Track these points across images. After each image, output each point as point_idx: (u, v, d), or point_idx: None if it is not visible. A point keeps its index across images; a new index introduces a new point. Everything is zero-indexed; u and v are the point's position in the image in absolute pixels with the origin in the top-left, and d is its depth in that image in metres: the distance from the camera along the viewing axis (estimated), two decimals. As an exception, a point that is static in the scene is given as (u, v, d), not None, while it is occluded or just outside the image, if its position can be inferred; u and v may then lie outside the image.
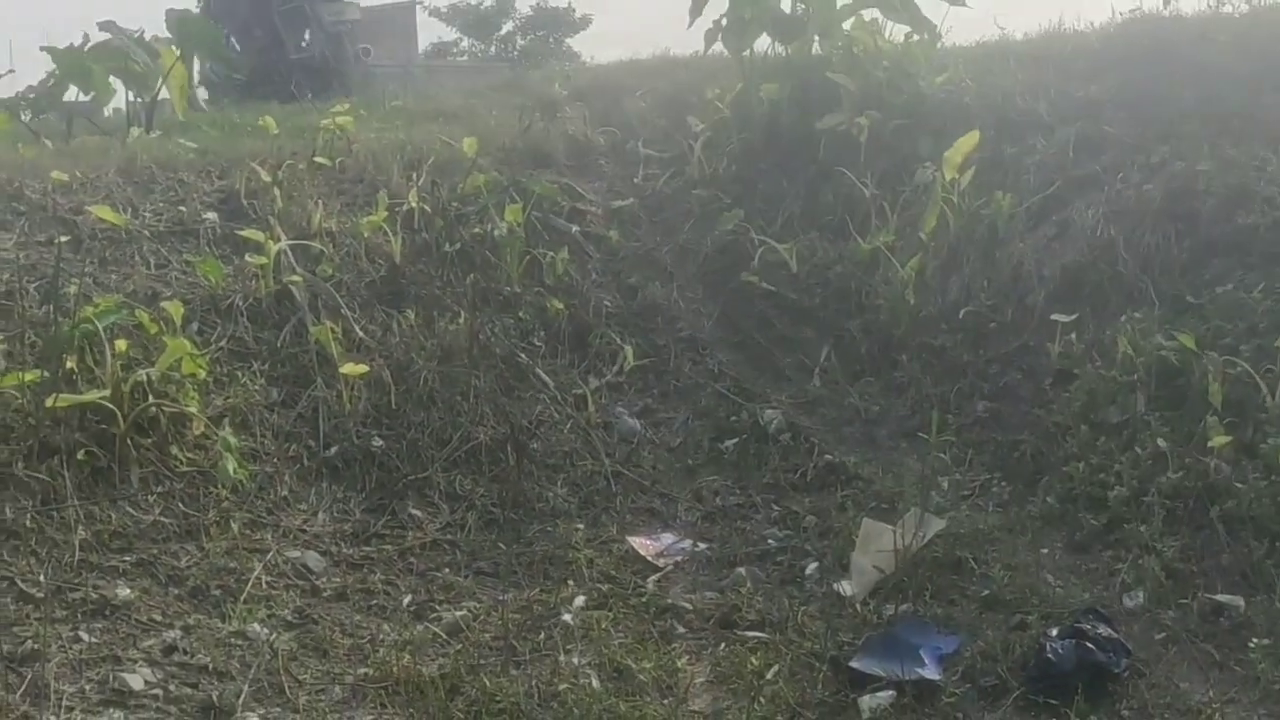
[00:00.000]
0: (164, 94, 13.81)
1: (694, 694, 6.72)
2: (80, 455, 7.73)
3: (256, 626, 7.05)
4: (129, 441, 7.93)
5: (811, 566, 8.09)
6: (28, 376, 7.85)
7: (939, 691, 6.60)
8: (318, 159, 11.61)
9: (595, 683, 6.68)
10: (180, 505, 7.91)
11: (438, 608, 7.59)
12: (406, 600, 7.65)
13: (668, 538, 8.61)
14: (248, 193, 10.81)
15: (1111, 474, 8.14)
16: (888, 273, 10.69)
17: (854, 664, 6.78)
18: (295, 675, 6.70)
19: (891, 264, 10.65)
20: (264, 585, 7.49)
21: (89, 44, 13.88)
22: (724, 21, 13.38)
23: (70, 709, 6.13)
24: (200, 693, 6.43)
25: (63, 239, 9.36)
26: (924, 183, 11.06)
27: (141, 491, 7.87)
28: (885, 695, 6.56)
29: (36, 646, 6.39)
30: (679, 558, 8.35)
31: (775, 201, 12.10)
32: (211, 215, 10.49)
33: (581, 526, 8.66)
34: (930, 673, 6.69)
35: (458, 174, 11.71)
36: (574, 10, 58.90)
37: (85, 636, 6.66)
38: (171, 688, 6.42)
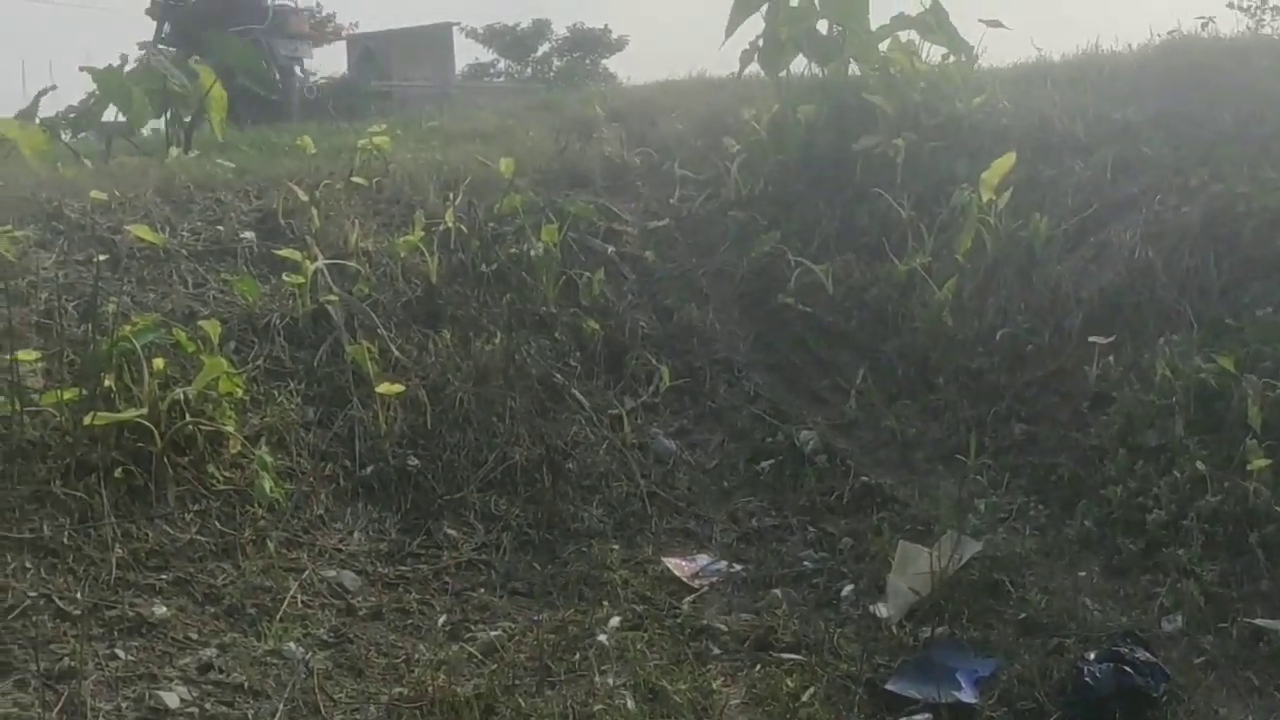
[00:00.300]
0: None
1: (729, 716, 6.69)
2: (117, 473, 7.76)
3: (292, 645, 7.05)
4: (166, 460, 7.96)
5: (847, 589, 8.05)
6: (66, 395, 7.88)
7: (975, 715, 6.57)
8: (355, 179, 11.65)
9: (630, 704, 6.66)
10: (216, 524, 7.93)
11: (473, 628, 7.58)
12: (441, 620, 7.64)
13: (703, 559, 8.59)
14: (285, 212, 10.86)
15: (1150, 497, 8.09)
16: (924, 294, 10.66)
17: (890, 687, 6.77)
18: (330, 694, 6.69)
19: (928, 286, 10.62)
20: (299, 604, 7.50)
21: (128, 65, 13.96)
22: (760, 42, 13.39)
23: (106, 727, 6.16)
24: (236, 711, 6.44)
25: (101, 258, 9.39)
26: (960, 204, 11.01)
27: (178, 510, 7.89)
28: (921, 719, 6.53)
29: (73, 664, 6.40)
30: (714, 579, 8.33)
31: (811, 223, 12.07)
32: (249, 234, 10.53)
33: (617, 547, 8.64)
34: (966, 696, 6.66)
35: (494, 194, 11.74)
36: (610, 32, 59.04)
37: (122, 654, 6.67)
38: (207, 706, 6.42)
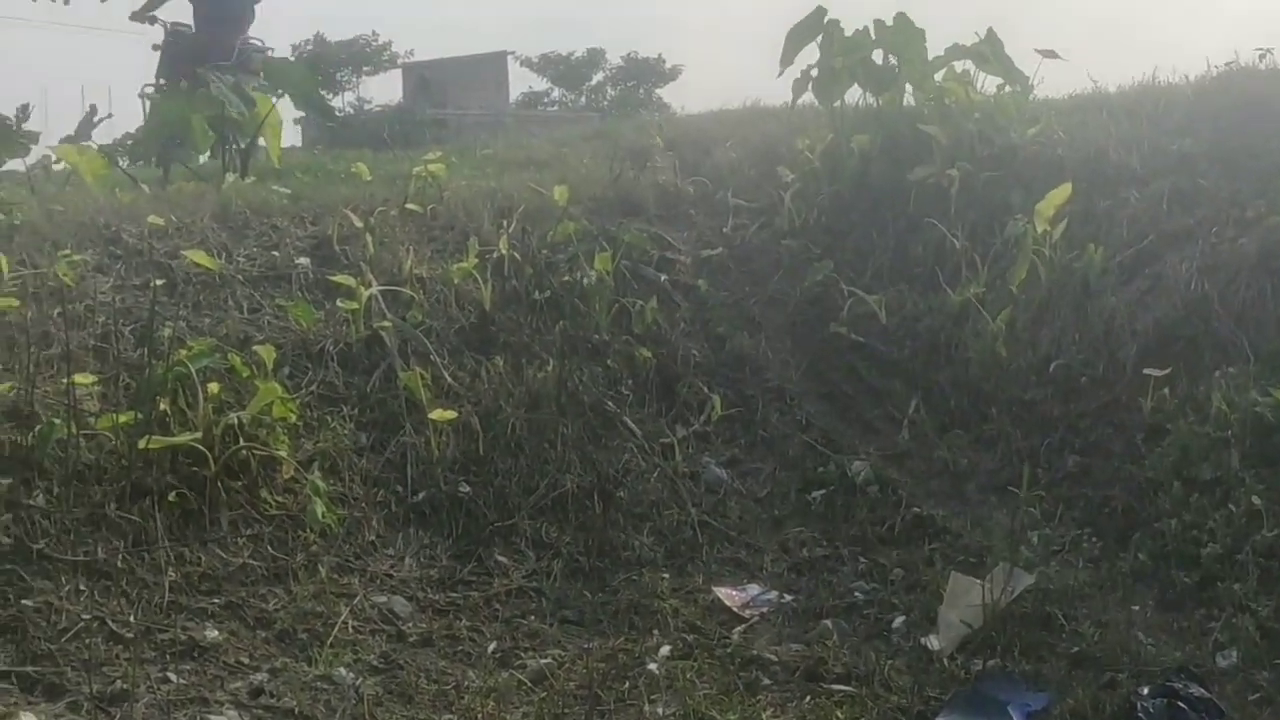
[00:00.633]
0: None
1: (779, 747, 6.69)
2: (172, 497, 7.81)
3: (343, 671, 7.07)
4: (219, 484, 8.01)
5: (898, 620, 8.02)
6: (122, 418, 7.95)
7: (1027, 749, 6.54)
8: (409, 206, 11.71)
9: (680, 733, 6.66)
10: (269, 548, 7.97)
11: (523, 655, 7.58)
12: (491, 647, 7.64)
13: (753, 588, 8.57)
14: (340, 238, 10.91)
15: (1204, 531, 8.03)
16: (978, 325, 10.62)
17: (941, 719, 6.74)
18: (380, 720, 6.72)
19: (981, 316, 10.58)
20: (350, 630, 7.52)
21: (186, 90, 14.07)
22: (814, 72, 13.38)
23: (158, 749, 6.19)
24: (286, 736, 6.47)
25: (158, 283, 9.49)
26: (1015, 235, 10.96)
27: (231, 534, 7.93)
28: (972, 752, 6.51)
29: (125, 687, 6.44)
30: (765, 609, 8.30)
31: (865, 253, 12.05)
32: (304, 260, 10.59)
33: (667, 576, 8.63)
34: (1018, 730, 6.63)
35: (548, 222, 11.77)
36: (664, 61, 59.37)
37: (174, 678, 6.71)
38: (258, 730, 6.46)
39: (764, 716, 6.87)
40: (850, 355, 11.11)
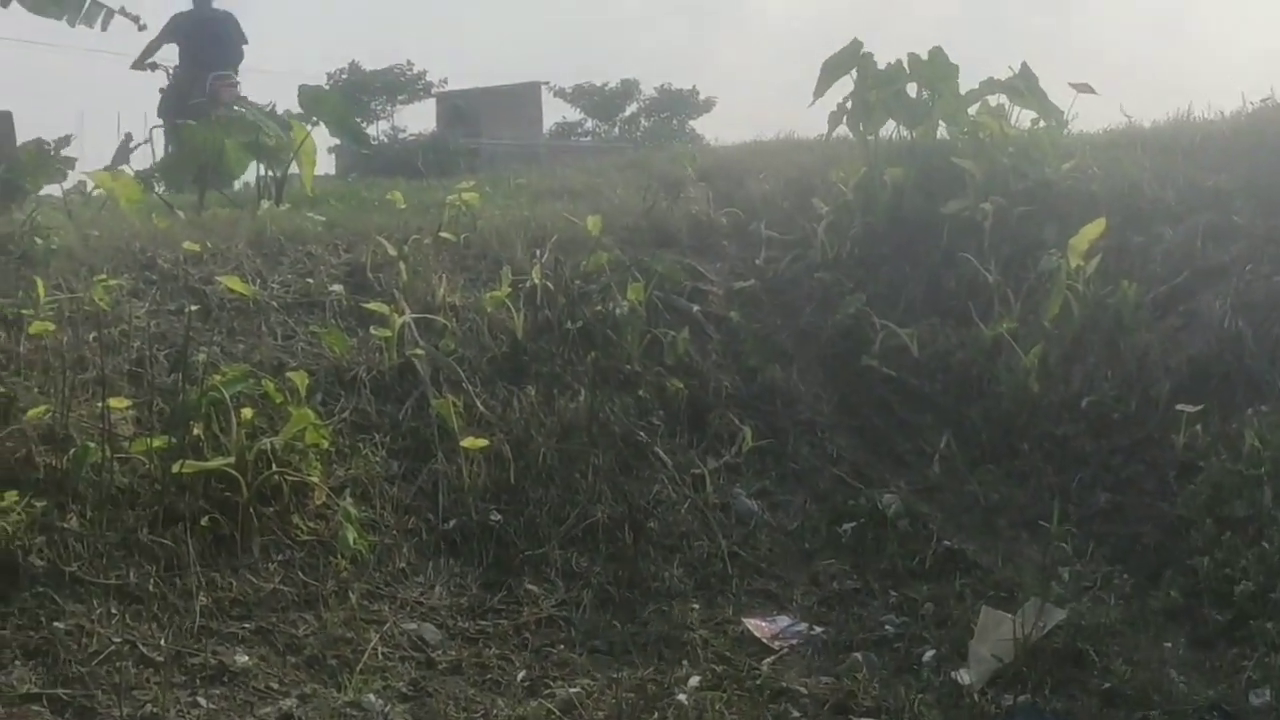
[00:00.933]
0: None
1: (807, 780, 6.67)
2: (204, 522, 7.84)
3: (372, 697, 7.07)
4: (251, 510, 8.03)
5: (929, 654, 7.99)
6: (155, 443, 7.99)
7: (1058, 786, 6.51)
8: (443, 234, 11.73)
9: (708, 765, 6.65)
10: (300, 574, 7.99)
11: (552, 684, 7.56)
12: (520, 676, 7.63)
13: (783, 620, 8.56)
14: (374, 266, 10.95)
15: (1237, 569, 8.00)
16: (1010, 360, 10.61)
17: (971, 755, 6.72)
18: (409, 748, 6.73)
19: (1014, 351, 10.56)
20: (380, 656, 7.52)
21: (222, 117, 14.17)
22: (848, 105, 13.40)
23: (187, 774, 6.20)
24: (315, 762, 6.48)
25: (193, 308, 9.53)
26: (1048, 270, 10.95)
27: (262, 560, 7.96)
28: (1003, 788, 6.48)
29: (156, 711, 6.47)
30: (794, 641, 8.29)
31: (897, 286, 12.05)
32: (338, 288, 10.62)
33: (697, 607, 8.61)
34: (1049, 766, 6.61)
35: (581, 252, 11.78)
36: (698, 93, 59.45)
37: (204, 702, 6.73)
38: (287, 756, 6.48)
39: (793, 749, 6.86)
40: (882, 388, 11.09)
